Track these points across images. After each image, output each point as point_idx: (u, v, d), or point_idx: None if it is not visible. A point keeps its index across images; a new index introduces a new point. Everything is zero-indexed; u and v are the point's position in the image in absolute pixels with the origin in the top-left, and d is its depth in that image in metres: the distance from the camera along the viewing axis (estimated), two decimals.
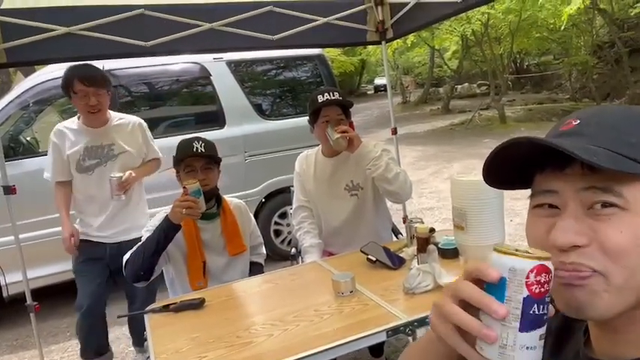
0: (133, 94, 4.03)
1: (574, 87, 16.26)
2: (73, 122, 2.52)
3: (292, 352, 1.28)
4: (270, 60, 4.44)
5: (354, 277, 1.63)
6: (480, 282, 0.53)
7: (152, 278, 1.93)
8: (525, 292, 0.51)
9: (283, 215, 4.26)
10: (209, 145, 2.02)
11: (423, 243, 1.76)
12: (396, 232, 2.53)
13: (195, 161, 1.97)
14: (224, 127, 4.02)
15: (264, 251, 2.39)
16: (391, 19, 3.01)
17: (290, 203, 2.63)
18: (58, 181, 2.53)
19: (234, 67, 4.15)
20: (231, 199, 2.25)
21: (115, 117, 2.58)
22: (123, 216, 2.52)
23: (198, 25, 2.58)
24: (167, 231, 1.85)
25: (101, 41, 2.40)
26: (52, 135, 2.51)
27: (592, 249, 0.52)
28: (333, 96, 2.11)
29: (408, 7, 2.82)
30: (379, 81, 29.16)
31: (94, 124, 2.47)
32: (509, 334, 0.51)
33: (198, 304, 1.66)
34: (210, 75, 4.04)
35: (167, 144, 3.61)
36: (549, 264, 0.52)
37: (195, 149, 1.95)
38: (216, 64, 4.05)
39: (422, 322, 1.41)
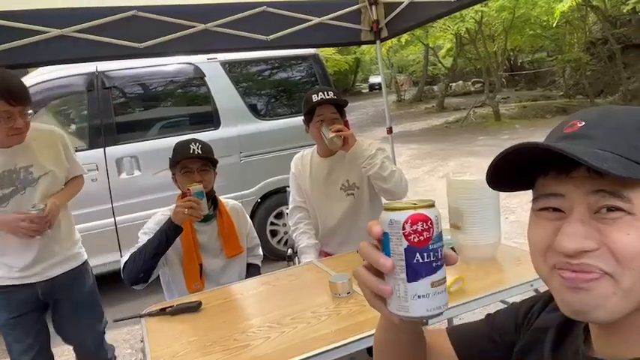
0: (127, 96, 4.01)
1: (567, 84, 16.34)
2: None
3: (290, 354, 1.27)
4: (264, 60, 4.43)
5: (351, 278, 1.63)
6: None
7: (150, 281, 1.92)
8: (405, 243, 0.52)
9: (279, 215, 4.26)
10: (206, 147, 2.01)
11: None
12: None
13: (192, 163, 1.96)
14: (219, 128, 4.01)
15: (261, 252, 2.38)
16: (385, 18, 3.01)
17: (286, 203, 2.63)
18: None
19: (229, 67, 4.14)
20: (227, 200, 2.23)
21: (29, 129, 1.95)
22: (52, 248, 2.05)
23: (192, 26, 2.58)
24: (169, 232, 1.84)
25: (93, 43, 2.39)
26: None
27: (601, 252, 0.51)
28: (328, 95, 2.11)
29: (402, 7, 2.83)
30: (374, 79, 29.19)
31: (7, 143, 1.90)
32: (400, 285, 0.53)
33: (195, 307, 1.65)
34: (205, 75, 4.02)
35: (162, 145, 3.62)
36: (426, 211, 0.53)
37: (192, 151, 1.94)
38: (211, 65, 4.03)
39: None
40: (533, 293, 1.88)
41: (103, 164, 3.57)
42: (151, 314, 1.66)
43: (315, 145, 2.31)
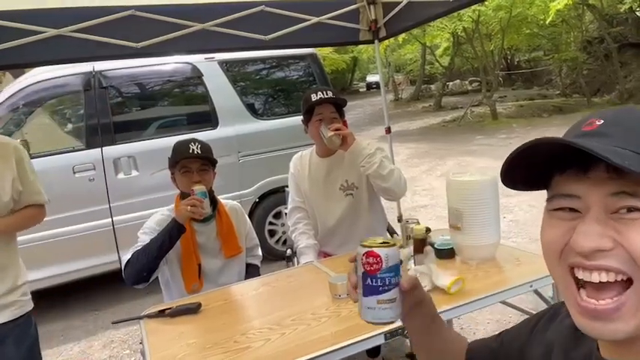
0: (125, 95, 3.99)
1: (564, 83, 16.38)
2: None
3: (290, 356, 1.27)
4: (262, 59, 4.42)
5: None
6: None
7: (151, 280, 1.92)
8: (361, 270, 0.72)
9: (278, 215, 4.25)
10: (205, 146, 2.01)
11: (420, 244, 1.75)
12: (391, 231, 2.53)
13: (191, 163, 1.96)
14: (217, 128, 3.99)
15: (260, 253, 2.38)
16: (384, 18, 3.00)
17: (284, 203, 2.62)
18: None
19: (227, 66, 4.12)
20: (226, 201, 2.24)
21: None
22: None
23: (190, 26, 2.56)
24: (172, 232, 1.86)
25: (91, 43, 2.38)
26: None
27: (617, 252, 0.50)
28: (327, 95, 2.11)
29: (400, 6, 2.82)
30: (371, 78, 29.18)
31: None
32: (360, 297, 0.74)
33: (194, 309, 1.64)
34: (203, 75, 4.01)
35: (160, 145, 3.61)
36: (379, 250, 0.72)
37: (191, 151, 1.95)
38: (208, 64, 4.02)
39: None
40: (532, 294, 1.88)
41: (100, 164, 3.55)
42: (150, 316, 1.66)
43: (314, 146, 2.30)
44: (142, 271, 1.85)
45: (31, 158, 3.35)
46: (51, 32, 2.30)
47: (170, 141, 3.46)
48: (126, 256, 1.92)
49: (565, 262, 0.55)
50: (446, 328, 0.91)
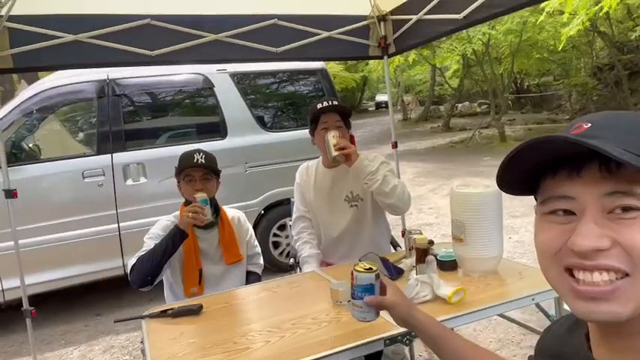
0: (137, 104, 4.06)
1: (574, 108, 16.37)
2: None
3: (289, 358, 1.28)
4: (273, 73, 4.49)
5: None
6: None
7: (155, 283, 1.98)
8: (351, 281, 1.19)
9: (282, 227, 4.26)
10: (209, 157, 2.08)
11: (422, 254, 1.76)
12: (394, 244, 2.53)
13: (195, 171, 2.03)
14: (225, 138, 4.04)
15: (262, 262, 2.40)
16: (393, 34, 3.05)
17: (289, 215, 2.64)
18: None
19: (238, 79, 4.19)
20: (229, 209, 2.28)
21: None
22: None
23: (203, 36, 2.62)
24: (175, 237, 1.93)
25: (107, 49, 2.44)
26: None
27: (616, 251, 0.51)
28: (332, 103, 2.14)
29: (410, 23, 2.87)
30: (380, 97, 29.35)
31: None
32: (352, 299, 1.20)
33: (196, 310, 1.66)
34: (214, 86, 4.07)
35: (169, 153, 3.66)
36: (355, 272, 1.19)
37: (195, 160, 2.02)
38: (220, 76, 4.09)
39: None
40: (533, 309, 1.87)
41: (109, 170, 3.60)
42: (151, 316, 1.67)
43: (320, 157, 2.33)
44: (146, 275, 1.91)
45: (42, 163, 3.50)
46: (68, 37, 2.36)
47: (179, 149, 3.51)
48: (131, 261, 1.97)
49: (560, 264, 0.56)
50: (459, 347, 1.04)
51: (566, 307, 1.69)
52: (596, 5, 7.43)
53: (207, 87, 4.09)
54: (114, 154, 3.64)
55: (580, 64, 15.57)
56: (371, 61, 12.82)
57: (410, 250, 1.95)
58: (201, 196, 1.95)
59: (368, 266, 1.18)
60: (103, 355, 3.11)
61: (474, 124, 15.81)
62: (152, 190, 3.70)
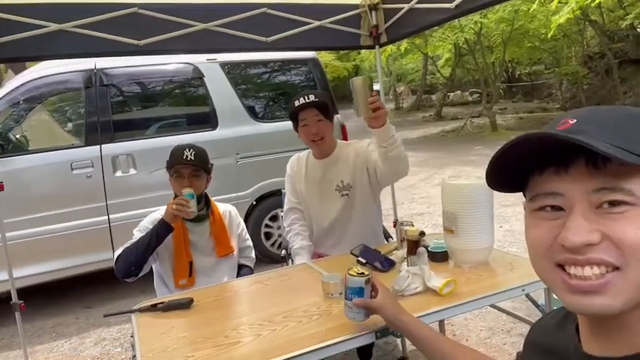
0: (125, 94, 4.00)
1: (564, 96, 16.44)
2: None
3: (280, 352, 1.27)
4: (263, 62, 4.44)
5: (344, 278, 1.62)
6: None
7: (140, 275, 1.98)
8: (345, 284, 1.32)
9: (274, 218, 4.25)
10: (200, 153, 2.06)
11: (413, 245, 1.76)
12: (386, 235, 2.53)
13: (184, 168, 2.02)
14: (216, 129, 4.00)
15: (254, 255, 2.41)
16: (385, 23, 3.02)
17: (281, 206, 2.63)
18: None
19: (228, 68, 4.14)
20: (220, 203, 2.28)
21: None
22: None
23: (192, 25, 2.58)
24: (160, 230, 1.92)
25: (93, 39, 2.38)
26: None
27: (605, 245, 0.51)
28: (308, 99, 2.12)
29: (401, 13, 2.84)
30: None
31: None
32: (344, 300, 1.32)
33: (186, 304, 1.64)
34: (204, 76, 4.02)
35: (159, 144, 3.62)
36: (346, 276, 1.32)
37: (185, 157, 2.01)
38: (210, 66, 4.03)
39: None
40: (522, 298, 1.88)
41: (98, 161, 3.55)
42: (141, 310, 1.66)
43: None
44: (130, 266, 1.91)
45: (30, 154, 3.45)
46: (54, 27, 2.31)
47: (169, 140, 3.50)
48: (118, 251, 1.98)
49: (551, 260, 0.56)
50: (446, 348, 1.10)
51: (555, 297, 1.71)
52: None
53: (197, 77, 4.04)
54: (102, 146, 3.59)
55: (571, 53, 15.61)
56: (363, 50, 12.76)
57: (401, 241, 1.95)
58: (186, 190, 1.95)
59: (361, 271, 1.31)
60: (94, 348, 3.10)
61: (465, 113, 15.84)
62: (142, 182, 3.66)
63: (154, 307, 1.65)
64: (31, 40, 2.28)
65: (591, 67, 14.96)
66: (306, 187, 2.29)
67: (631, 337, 0.55)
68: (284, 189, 2.48)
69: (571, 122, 0.55)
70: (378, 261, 1.84)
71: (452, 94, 21.44)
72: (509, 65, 19.88)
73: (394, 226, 3.11)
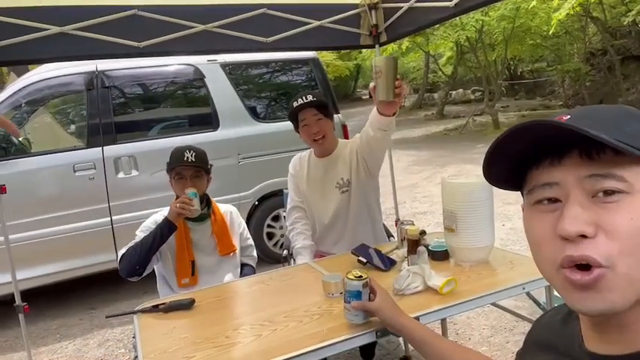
0: (127, 96, 4.02)
1: (567, 94, 16.37)
2: None
3: (281, 352, 1.27)
4: (264, 63, 4.45)
5: (344, 278, 1.63)
6: None
7: (145, 274, 1.99)
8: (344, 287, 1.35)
9: (276, 218, 4.25)
10: (200, 154, 2.08)
11: (413, 244, 1.76)
12: (388, 234, 2.53)
13: (185, 170, 2.05)
14: (217, 130, 4.01)
15: (255, 254, 2.43)
16: (385, 22, 3.02)
17: (283, 206, 2.64)
18: None
19: (229, 69, 4.15)
20: (221, 204, 2.30)
21: None
22: None
23: (192, 27, 2.59)
24: (163, 229, 1.94)
25: (94, 41, 2.40)
26: None
27: (599, 240, 0.51)
28: (307, 99, 2.13)
29: (401, 12, 2.84)
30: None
31: None
32: (343, 302, 1.35)
33: (187, 305, 1.65)
34: (205, 77, 4.03)
35: (160, 146, 3.64)
36: (345, 279, 1.35)
37: (185, 158, 2.03)
38: (211, 67, 4.04)
39: None
40: (525, 297, 1.88)
41: (100, 163, 3.57)
42: (143, 311, 1.66)
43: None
44: (135, 265, 1.92)
45: (33, 156, 3.46)
46: (54, 30, 2.32)
47: (170, 142, 3.49)
48: (122, 251, 2.00)
49: (556, 262, 0.55)
50: (444, 349, 1.11)
51: (556, 294, 1.71)
52: None
53: (197, 78, 4.05)
54: (105, 147, 3.60)
55: (573, 50, 15.54)
56: (364, 50, 12.74)
57: (402, 240, 1.95)
58: (189, 190, 1.97)
59: (359, 274, 1.34)
60: (98, 349, 3.11)
61: (467, 112, 15.81)
62: (144, 183, 3.68)
63: (155, 308, 1.66)
64: (33, 43, 2.29)
65: (593, 64, 14.91)
66: (308, 186, 2.30)
67: (633, 336, 0.55)
68: (286, 189, 2.49)
69: (565, 118, 0.56)
70: (379, 260, 1.84)
71: (454, 92, 21.38)
72: (511, 63, 19.82)
73: (396, 225, 3.11)
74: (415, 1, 2.71)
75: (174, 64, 3.99)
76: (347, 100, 23.11)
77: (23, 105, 3.64)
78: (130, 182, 3.66)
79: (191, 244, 2.09)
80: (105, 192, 3.57)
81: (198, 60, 3.98)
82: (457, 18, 10.45)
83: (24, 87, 3.57)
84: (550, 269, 0.56)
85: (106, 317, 1.83)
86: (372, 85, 1.84)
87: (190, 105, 4.30)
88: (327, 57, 15.45)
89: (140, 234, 2.02)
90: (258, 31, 2.74)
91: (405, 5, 2.78)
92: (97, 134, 3.63)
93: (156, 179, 3.56)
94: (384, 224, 2.48)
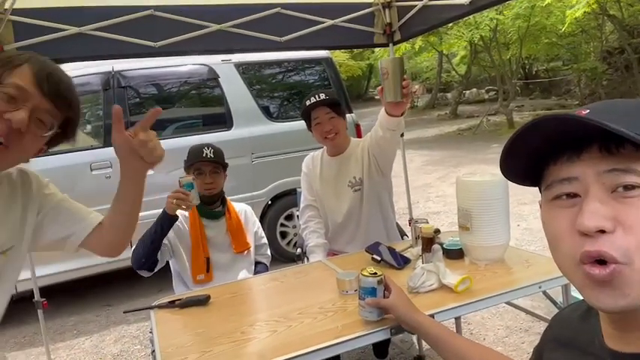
0: (142, 96, 4.07)
1: (583, 93, 16.15)
2: None
3: (295, 348, 1.28)
4: (278, 62, 4.47)
5: (358, 275, 1.63)
6: None
7: (156, 269, 2.01)
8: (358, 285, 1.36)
9: (289, 217, 4.27)
10: (218, 151, 2.14)
11: (428, 243, 1.75)
12: (401, 233, 2.53)
13: (204, 165, 2.10)
14: (231, 129, 4.04)
15: (269, 253, 2.45)
16: (399, 21, 3.02)
17: (296, 205, 2.65)
18: None
19: (243, 69, 4.18)
20: (235, 203, 2.33)
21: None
22: None
23: (207, 26, 2.61)
24: (162, 221, 1.94)
25: (111, 41, 2.44)
26: None
27: (617, 235, 0.51)
28: (319, 98, 2.15)
29: (415, 10, 2.84)
30: None
31: None
32: (358, 299, 1.36)
33: (203, 301, 1.67)
34: (219, 77, 4.06)
35: (175, 145, 3.66)
36: (360, 276, 1.35)
37: (204, 155, 2.09)
38: (225, 66, 4.07)
39: None
40: (541, 296, 1.87)
41: (116, 162, 3.56)
42: (160, 306, 1.69)
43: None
44: (140, 258, 1.95)
45: (50, 155, 3.52)
46: (72, 30, 2.36)
47: (185, 141, 3.53)
48: (134, 245, 2.03)
49: (575, 257, 0.55)
50: (459, 346, 1.11)
51: (573, 294, 1.68)
52: None
53: (212, 77, 4.08)
54: None
55: (589, 49, 15.33)
56: (377, 49, 12.71)
57: (416, 239, 1.95)
58: (186, 180, 1.93)
59: (373, 271, 1.35)
60: (114, 345, 3.15)
61: (481, 111, 15.68)
62: (159, 182, 3.70)
63: (172, 304, 1.68)
64: (52, 43, 2.34)
65: (610, 63, 14.67)
66: (321, 184, 2.31)
67: None
68: (299, 188, 2.50)
69: (584, 112, 0.55)
70: (393, 258, 1.84)
71: (467, 91, 21.23)
72: (526, 62, 19.62)
73: (409, 224, 3.10)
74: (429, 0, 2.70)
75: (188, 64, 4.03)
76: (360, 100, 23.09)
77: None
78: (146, 181, 3.69)
79: (206, 240, 2.12)
80: None
81: (213, 60, 4.01)
82: (471, 17, 10.37)
83: None
84: (569, 265, 0.56)
85: (124, 312, 1.85)
86: (380, 86, 1.85)
87: (204, 104, 4.34)
88: (339, 57, 15.45)
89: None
90: (272, 30, 2.76)
91: (419, 3, 2.77)
92: None
93: (171, 178, 3.57)
94: (397, 223, 2.48)
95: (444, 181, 7.23)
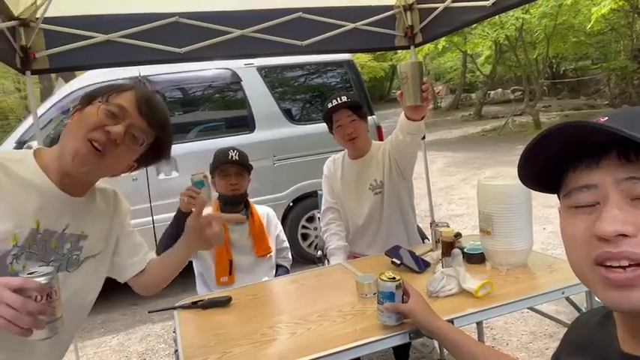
0: (168, 99, 4.15)
1: (613, 92, 15.71)
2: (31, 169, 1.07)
3: (315, 350, 1.30)
4: (299, 66, 4.51)
5: (378, 279, 1.64)
6: None
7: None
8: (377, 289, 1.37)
9: (311, 219, 4.30)
10: (242, 154, 2.20)
11: (448, 247, 1.75)
12: (422, 236, 2.52)
13: (230, 167, 2.15)
14: (254, 132, 4.09)
15: (290, 256, 2.48)
16: (420, 23, 3.01)
17: (317, 207, 2.67)
18: None
19: (265, 72, 4.23)
20: (259, 206, 2.37)
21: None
22: None
23: (230, 32, 2.66)
24: (178, 216, 2.02)
25: (138, 48, 2.51)
26: None
27: (639, 239, 0.51)
28: (341, 100, 2.16)
29: (437, 12, 2.82)
30: None
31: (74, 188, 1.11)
32: (377, 304, 1.38)
33: (225, 302, 1.70)
34: (242, 80, 4.13)
35: (200, 148, 3.74)
36: (379, 280, 1.36)
37: (230, 157, 2.15)
38: (247, 70, 4.13)
39: None
40: (564, 301, 1.84)
41: None
42: (183, 307, 1.73)
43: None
44: (162, 251, 1.97)
45: None
46: (101, 37, 2.44)
47: (209, 144, 3.59)
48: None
49: (589, 258, 0.55)
50: (477, 352, 1.11)
51: (597, 299, 1.65)
52: None
53: (235, 81, 4.15)
54: None
55: (619, 47, 14.89)
56: (399, 50, 12.65)
57: (437, 242, 1.94)
58: (197, 177, 1.90)
59: (392, 276, 1.35)
60: (139, 344, 3.23)
61: (506, 112, 15.41)
62: (184, 184, 3.75)
63: (194, 305, 1.72)
64: (79, 50, 2.42)
65: None
66: (342, 187, 2.32)
67: None
68: (320, 190, 2.52)
69: (602, 119, 0.55)
70: (413, 262, 1.84)
71: (492, 92, 20.90)
72: (554, 61, 19.20)
73: (430, 227, 3.09)
74: (451, 2, 2.69)
75: (212, 69, 4.11)
76: (382, 102, 22.97)
77: (71, 109, 3.81)
78: (171, 183, 3.77)
79: (230, 243, 2.16)
80: (147, 192, 3.70)
81: (236, 64, 4.07)
82: (496, 16, 10.22)
83: (72, 92, 3.75)
84: (584, 266, 0.56)
85: (149, 312, 1.90)
86: (399, 91, 1.86)
87: (228, 108, 4.40)
88: (361, 58, 15.42)
89: None
90: (294, 34, 2.79)
91: (441, 5, 2.76)
92: None
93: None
94: (418, 226, 2.47)
95: (467, 183, 7.15)
